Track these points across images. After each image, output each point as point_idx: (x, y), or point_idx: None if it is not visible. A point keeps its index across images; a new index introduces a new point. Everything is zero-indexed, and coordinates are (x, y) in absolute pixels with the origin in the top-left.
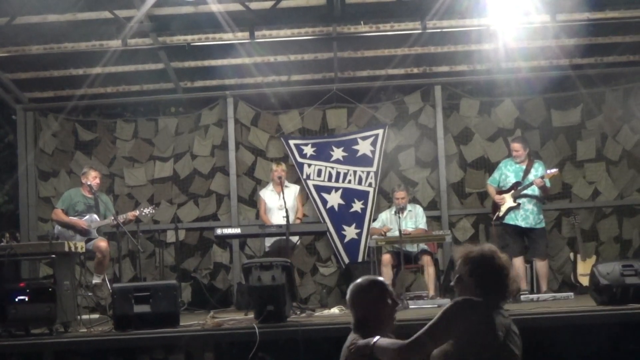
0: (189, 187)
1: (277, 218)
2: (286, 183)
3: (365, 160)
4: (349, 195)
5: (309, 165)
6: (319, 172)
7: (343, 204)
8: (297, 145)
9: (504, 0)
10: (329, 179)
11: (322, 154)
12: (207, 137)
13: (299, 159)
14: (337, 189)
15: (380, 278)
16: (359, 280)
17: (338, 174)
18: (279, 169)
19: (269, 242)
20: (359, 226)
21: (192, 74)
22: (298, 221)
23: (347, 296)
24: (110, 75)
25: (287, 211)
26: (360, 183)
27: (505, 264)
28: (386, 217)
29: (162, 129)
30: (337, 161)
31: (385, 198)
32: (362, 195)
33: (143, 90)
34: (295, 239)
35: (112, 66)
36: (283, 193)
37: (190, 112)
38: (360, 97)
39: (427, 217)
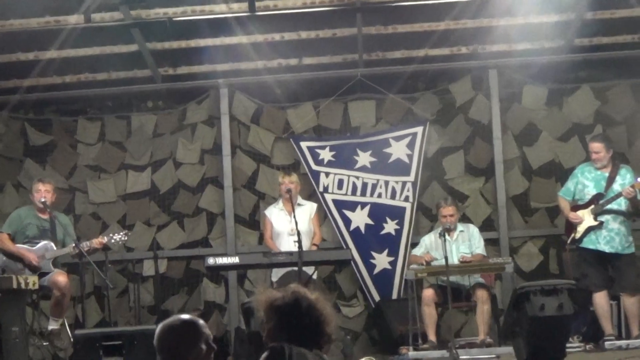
0: (171, 204)
1: (287, 244)
2: (299, 200)
3: (400, 168)
4: (379, 212)
5: (327, 174)
6: (340, 184)
7: (372, 225)
8: (311, 149)
9: None
10: (353, 192)
11: (343, 159)
12: (194, 140)
13: (314, 167)
14: (363, 204)
15: (197, 319)
16: (168, 319)
17: (365, 185)
18: (288, 181)
19: (276, 274)
20: (393, 253)
21: (174, 58)
22: (314, 248)
23: (154, 340)
24: (69, 61)
25: (299, 235)
26: (393, 197)
27: (317, 305)
28: (430, 241)
29: (136, 129)
30: (364, 169)
31: (426, 216)
32: (397, 213)
33: (111, 80)
34: (310, 270)
35: (72, 49)
36: (294, 213)
37: (172, 107)
38: (392, 85)
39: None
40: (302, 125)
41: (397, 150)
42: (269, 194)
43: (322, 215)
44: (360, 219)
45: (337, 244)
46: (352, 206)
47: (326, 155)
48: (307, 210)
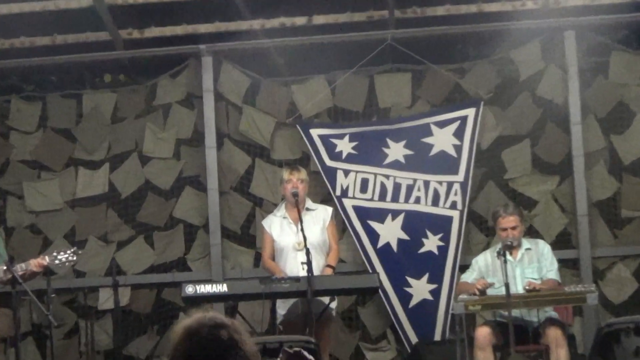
0: (136, 212)
1: (293, 266)
2: (308, 203)
3: (445, 163)
4: (416, 224)
5: (346, 172)
6: (364, 185)
7: (407, 241)
8: (324, 139)
9: None
10: (382, 197)
11: (368, 152)
12: (167, 126)
13: (329, 163)
14: (395, 213)
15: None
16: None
17: (397, 187)
18: (295, 179)
19: (282, 308)
20: (436, 278)
21: (141, 17)
22: (329, 271)
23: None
24: None
25: (308, 252)
26: (436, 203)
27: (240, 341)
28: (484, 263)
29: (89, 112)
30: (396, 165)
31: (480, 229)
32: (440, 225)
33: (56, 46)
34: (326, 300)
35: (2, 3)
36: (301, 222)
37: (138, 82)
38: (433, 52)
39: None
40: (313, 106)
41: (441, 140)
42: (268, 199)
43: (340, 223)
44: (391, 232)
45: (360, 266)
46: (381, 215)
47: (345, 146)
48: (319, 216)
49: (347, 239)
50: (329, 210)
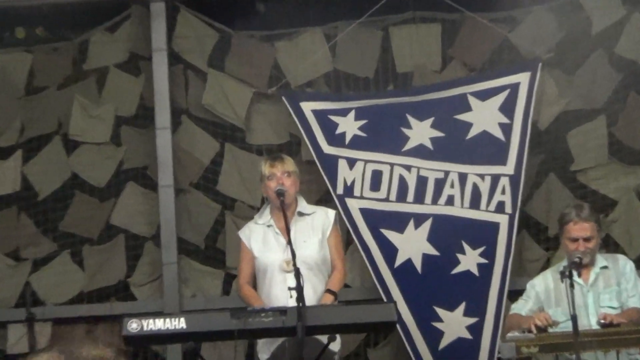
0: (59, 219)
1: (280, 292)
2: (301, 205)
3: (489, 149)
4: (449, 233)
5: (352, 162)
6: (376, 180)
7: (435, 257)
8: (321, 116)
9: None
10: (401, 196)
11: (382, 134)
12: (103, 99)
13: (328, 149)
14: (420, 219)
15: None
16: None
17: (422, 183)
18: (279, 172)
19: (264, 351)
20: (476, 309)
21: None
22: (329, 299)
23: None
24: None
25: (298, 274)
26: (476, 204)
27: None
28: (544, 288)
29: None
30: (420, 152)
31: (538, 239)
32: (483, 234)
33: None
34: (324, 340)
35: None
36: (288, 231)
37: (62, 37)
38: None
39: None
40: (305, 71)
41: (483, 117)
42: (244, 201)
43: (344, 233)
44: (413, 245)
45: (370, 292)
46: (399, 222)
47: (350, 126)
48: (317, 223)
49: (353, 254)
50: (330, 214)
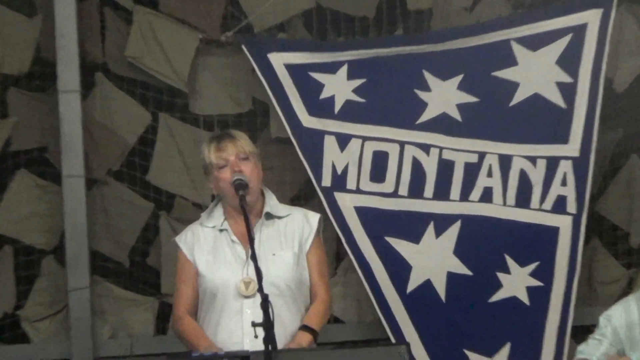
0: None
1: (236, 328)
2: (269, 203)
3: (544, 120)
4: (484, 243)
5: (344, 139)
6: (379, 166)
7: (466, 277)
8: (299, 72)
9: None
10: (415, 190)
11: (388, 99)
12: None
13: (308, 121)
14: (443, 222)
15: None
16: None
17: (446, 169)
18: (231, 155)
19: None
20: (526, 354)
21: None
22: (306, 339)
23: None
24: None
25: (266, 304)
26: (525, 200)
27: None
28: (626, 322)
29: None
30: (441, 124)
31: (616, 252)
32: (535, 245)
33: None
34: None
35: None
36: (251, 240)
37: None
38: None
39: None
40: (276, 7)
41: (534, 72)
42: (185, 196)
43: (334, 245)
44: (433, 260)
45: (371, 329)
46: (413, 226)
47: (341, 88)
48: (291, 230)
49: (346, 275)
50: (311, 218)
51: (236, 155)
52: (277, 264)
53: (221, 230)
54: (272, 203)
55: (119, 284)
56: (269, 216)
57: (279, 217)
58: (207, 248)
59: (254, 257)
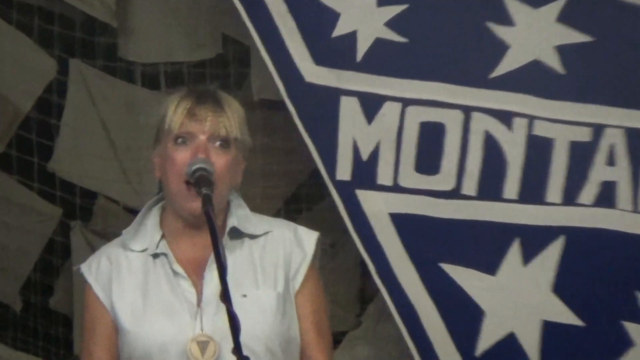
0: None
1: None
2: (239, 213)
3: None
4: (603, 273)
5: (373, 103)
6: (430, 148)
7: (575, 328)
8: None
9: None
10: (489, 187)
11: (441, 37)
12: None
13: (313, 71)
14: (535, 238)
15: None
16: None
17: (541, 151)
18: (204, 127)
19: None
20: None
21: None
22: None
23: None
24: None
25: None
26: None
27: None
28: None
29: None
30: (532, 80)
31: None
32: None
33: None
34: None
35: None
36: (223, 274)
37: None
38: None
39: None
40: None
41: None
42: (112, 194)
43: (354, 280)
44: (518, 302)
45: None
46: (484, 247)
47: (367, 19)
48: (270, 256)
49: (376, 325)
50: (305, 239)
51: (211, 135)
52: (250, 311)
53: (156, 256)
54: (241, 213)
55: (4, 339)
56: (236, 234)
57: (252, 236)
58: (133, 285)
59: (226, 297)
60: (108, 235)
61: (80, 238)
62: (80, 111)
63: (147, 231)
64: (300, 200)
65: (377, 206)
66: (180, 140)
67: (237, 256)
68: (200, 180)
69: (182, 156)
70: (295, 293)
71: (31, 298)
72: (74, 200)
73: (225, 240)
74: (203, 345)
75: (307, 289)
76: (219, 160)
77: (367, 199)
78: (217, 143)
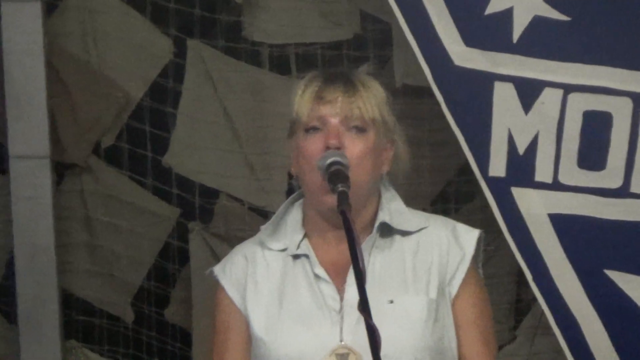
0: None
1: None
2: (391, 206)
3: None
4: None
5: (531, 90)
6: (597, 141)
7: None
8: None
9: None
10: None
11: (610, 15)
12: None
13: (462, 53)
14: None
15: None
16: None
17: None
18: (337, 116)
19: None
20: None
21: None
22: None
23: None
24: None
25: None
26: None
27: None
28: None
29: None
30: None
31: None
32: None
33: None
34: None
35: None
36: (361, 282)
37: None
38: None
39: None
40: None
41: None
42: (235, 193)
43: (509, 288)
44: None
45: None
46: None
47: None
48: (423, 257)
49: (534, 338)
50: (464, 238)
51: (344, 118)
52: (396, 319)
53: (296, 257)
54: (394, 207)
55: (115, 355)
56: (386, 230)
57: (405, 233)
58: (269, 288)
59: (365, 307)
60: (231, 238)
61: (199, 242)
62: (199, 98)
63: (288, 229)
64: (448, 199)
65: (534, 206)
66: (309, 127)
67: (385, 256)
68: (334, 176)
69: (313, 146)
70: (453, 298)
71: (144, 309)
72: (193, 199)
73: (374, 237)
74: (342, 358)
75: (467, 293)
76: (355, 147)
77: (524, 197)
78: (352, 126)
